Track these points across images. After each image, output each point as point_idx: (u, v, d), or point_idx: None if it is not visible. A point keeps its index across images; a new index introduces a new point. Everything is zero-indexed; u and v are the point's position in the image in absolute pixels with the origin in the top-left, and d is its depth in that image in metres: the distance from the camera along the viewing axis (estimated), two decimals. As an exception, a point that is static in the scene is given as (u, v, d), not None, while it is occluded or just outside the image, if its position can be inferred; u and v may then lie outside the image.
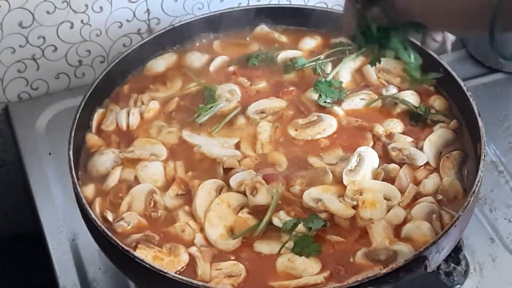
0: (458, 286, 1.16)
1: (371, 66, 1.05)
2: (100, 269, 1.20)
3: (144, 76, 1.30)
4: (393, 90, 1.24)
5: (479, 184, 1.05)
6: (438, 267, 1.13)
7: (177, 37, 1.33)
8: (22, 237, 1.55)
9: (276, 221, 1.05)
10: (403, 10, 0.78)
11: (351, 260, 1.02)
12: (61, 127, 1.26)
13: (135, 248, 1.02)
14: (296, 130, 1.19)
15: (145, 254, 1.01)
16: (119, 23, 1.46)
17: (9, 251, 1.66)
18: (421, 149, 1.15)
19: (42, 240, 1.26)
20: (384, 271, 0.96)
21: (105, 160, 1.15)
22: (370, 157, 1.13)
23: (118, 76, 1.27)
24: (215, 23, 1.35)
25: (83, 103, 1.18)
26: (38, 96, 1.50)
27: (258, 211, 1.07)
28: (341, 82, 1.25)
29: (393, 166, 1.13)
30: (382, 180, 1.11)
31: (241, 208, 1.08)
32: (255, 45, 1.34)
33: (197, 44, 1.35)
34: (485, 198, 1.28)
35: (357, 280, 0.95)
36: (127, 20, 1.46)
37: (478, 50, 1.48)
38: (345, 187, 1.10)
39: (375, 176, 1.12)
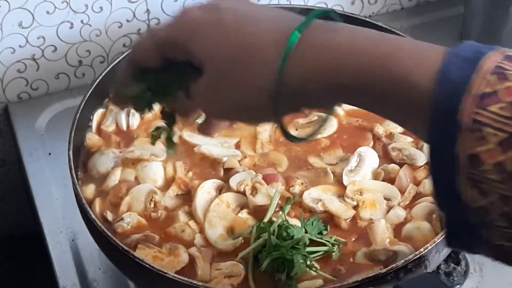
0: (458, 286, 1.16)
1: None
2: (100, 269, 1.20)
3: (144, 76, 1.30)
4: (393, 90, 1.24)
5: (479, 184, 1.04)
6: (438, 267, 1.13)
7: (177, 37, 1.32)
8: (22, 237, 1.54)
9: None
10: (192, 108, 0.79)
11: (351, 260, 1.02)
12: (61, 127, 1.26)
13: (135, 248, 1.02)
14: (296, 129, 1.19)
15: (145, 254, 1.01)
16: (119, 23, 1.46)
17: (9, 251, 1.65)
18: (421, 149, 1.15)
19: (42, 240, 1.26)
20: (384, 271, 0.96)
21: (105, 160, 1.15)
22: (370, 157, 1.13)
23: (118, 76, 1.27)
24: (215, 23, 1.34)
25: (83, 103, 1.18)
26: (38, 96, 1.50)
27: (258, 211, 1.07)
28: None
29: (393, 166, 1.13)
30: (382, 180, 1.11)
31: (241, 208, 1.08)
32: (255, 45, 1.34)
33: (197, 44, 1.34)
34: (485, 198, 1.27)
35: (357, 280, 0.95)
36: (127, 20, 1.46)
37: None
38: (345, 187, 1.10)
39: (375, 176, 1.12)
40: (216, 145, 1.17)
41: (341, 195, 1.09)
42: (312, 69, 0.67)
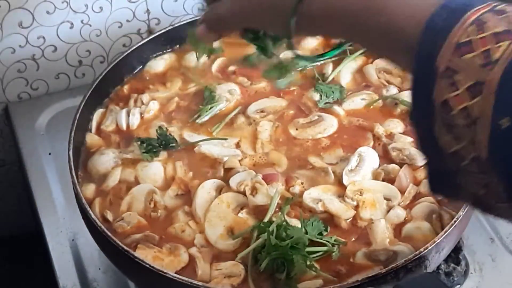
0: (458, 286, 1.15)
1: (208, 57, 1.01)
2: (100, 269, 1.20)
3: (144, 76, 1.30)
4: (393, 91, 1.24)
5: (479, 184, 1.04)
6: (438, 267, 1.13)
7: (177, 37, 1.32)
8: (22, 237, 1.55)
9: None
10: None
11: (351, 260, 1.02)
12: (61, 127, 1.26)
13: (135, 248, 1.02)
14: (297, 129, 1.19)
15: (145, 254, 1.01)
16: (119, 23, 1.46)
17: (9, 251, 1.66)
18: (421, 149, 1.15)
19: (42, 240, 1.26)
20: (384, 271, 0.96)
21: (105, 160, 1.15)
22: (370, 157, 1.13)
23: (118, 76, 1.27)
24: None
25: (83, 103, 1.18)
26: (38, 96, 1.50)
27: (258, 211, 1.07)
28: (341, 87, 1.25)
29: (393, 166, 1.12)
30: (382, 180, 1.11)
31: (241, 208, 1.08)
32: (255, 45, 1.34)
33: (197, 44, 1.35)
34: (485, 198, 1.27)
35: (357, 280, 0.95)
36: (127, 20, 1.46)
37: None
38: (345, 187, 1.09)
39: (375, 176, 1.12)
40: (216, 145, 1.17)
41: (341, 195, 1.09)
42: (323, 6, 0.74)
